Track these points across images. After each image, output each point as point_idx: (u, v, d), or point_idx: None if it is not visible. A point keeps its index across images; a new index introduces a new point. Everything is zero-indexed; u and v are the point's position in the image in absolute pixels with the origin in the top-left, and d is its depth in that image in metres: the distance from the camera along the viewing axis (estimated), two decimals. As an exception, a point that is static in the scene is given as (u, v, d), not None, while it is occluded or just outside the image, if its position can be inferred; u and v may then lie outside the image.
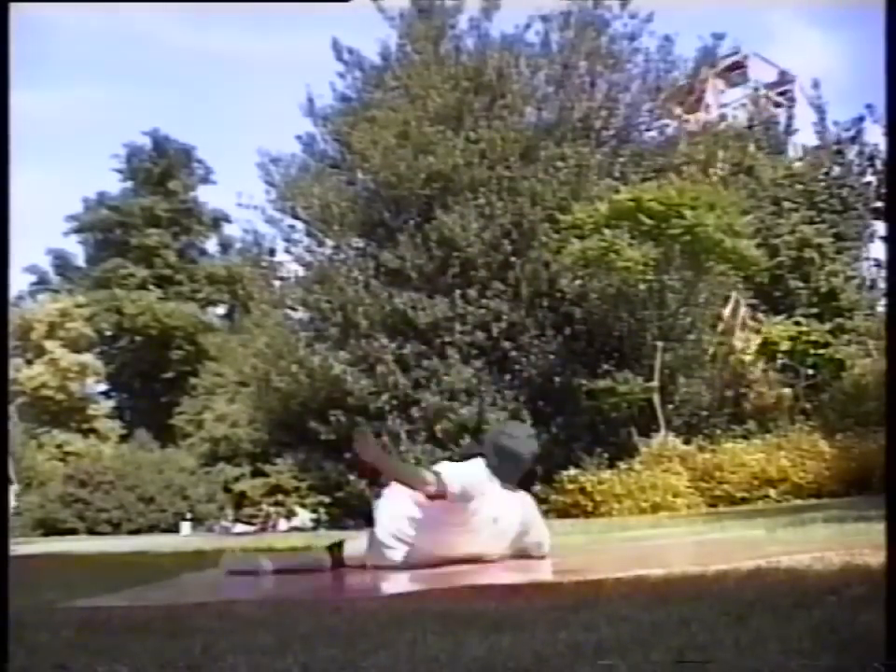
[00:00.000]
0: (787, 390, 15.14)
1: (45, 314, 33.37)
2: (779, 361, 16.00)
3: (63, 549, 9.93)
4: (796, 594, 1.99)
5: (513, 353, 14.84)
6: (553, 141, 15.76)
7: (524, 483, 12.74)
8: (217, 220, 40.36)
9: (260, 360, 16.98)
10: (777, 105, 21.75)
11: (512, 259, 15.07)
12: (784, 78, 22.23)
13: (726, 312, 16.41)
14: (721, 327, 15.88)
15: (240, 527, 27.46)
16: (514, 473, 3.84)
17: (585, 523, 9.01)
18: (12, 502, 16.45)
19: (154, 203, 38.56)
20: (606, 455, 12.87)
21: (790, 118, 21.62)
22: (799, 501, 9.76)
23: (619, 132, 16.97)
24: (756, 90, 22.42)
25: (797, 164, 19.87)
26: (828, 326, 16.66)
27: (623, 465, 11.75)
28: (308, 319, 17.19)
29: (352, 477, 14.88)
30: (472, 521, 3.59)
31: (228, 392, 28.67)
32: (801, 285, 17.57)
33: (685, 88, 17.92)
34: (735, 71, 25.53)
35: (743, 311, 16.96)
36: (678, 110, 18.00)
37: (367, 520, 4.64)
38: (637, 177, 15.32)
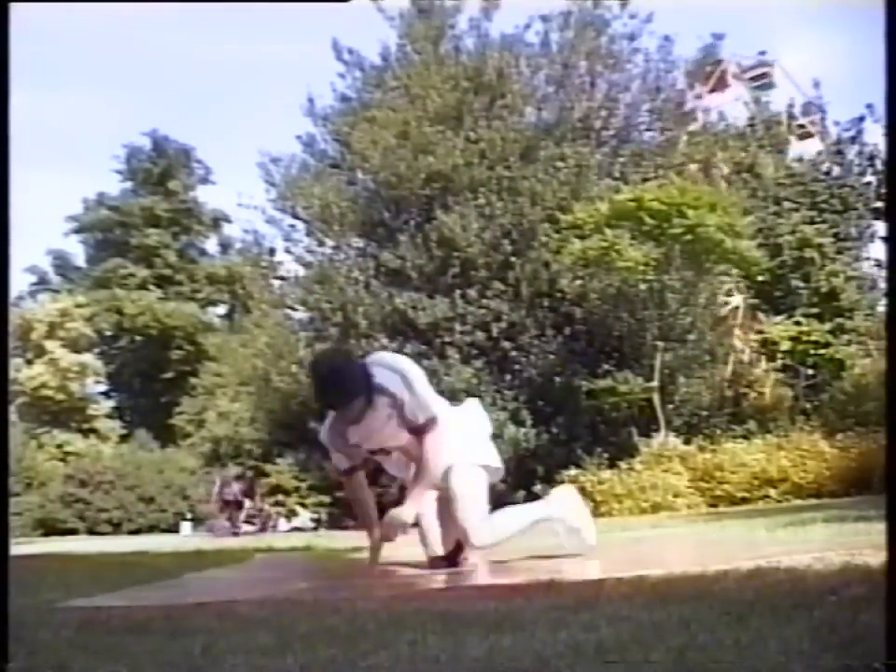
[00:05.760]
0: (787, 390, 15.14)
1: (45, 314, 33.35)
2: (779, 361, 16.01)
3: (62, 549, 9.93)
4: (796, 594, 1.99)
5: (513, 353, 14.84)
6: (553, 141, 15.76)
7: (525, 484, 12.84)
8: (217, 220, 40.35)
9: (260, 360, 16.98)
10: (806, 135, 21.43)
11: (512, 258, 15.07)
12: (808, 108, 21.95)
13: (726, 311, 16.41)
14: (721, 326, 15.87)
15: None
16: None
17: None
18: None
19: (154, 203, 38.57)
20: (606, 455, 12.86)
21: (791, 117, 21.59)
22: (799, 501, 9.76)
23: (619, 132, 16.97)
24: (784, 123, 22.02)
25: (798, 164, 19.87)
26: (828, 326, 16.67)
27: (623, 465, 11.75)
28: (308, 319, 17.19)
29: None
30: None
31: (228, 392, 28.66)
32: (801, 285, 17.57)
33: (706, 69, 17.87)
34: (760, 79, 25.39)
35: (743, 310, 16.96)
36: (698, 87, 17.93)
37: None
38: (638, 177, 15.32)
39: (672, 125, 17.08)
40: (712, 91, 21.75)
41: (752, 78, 24.69)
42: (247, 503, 20.40)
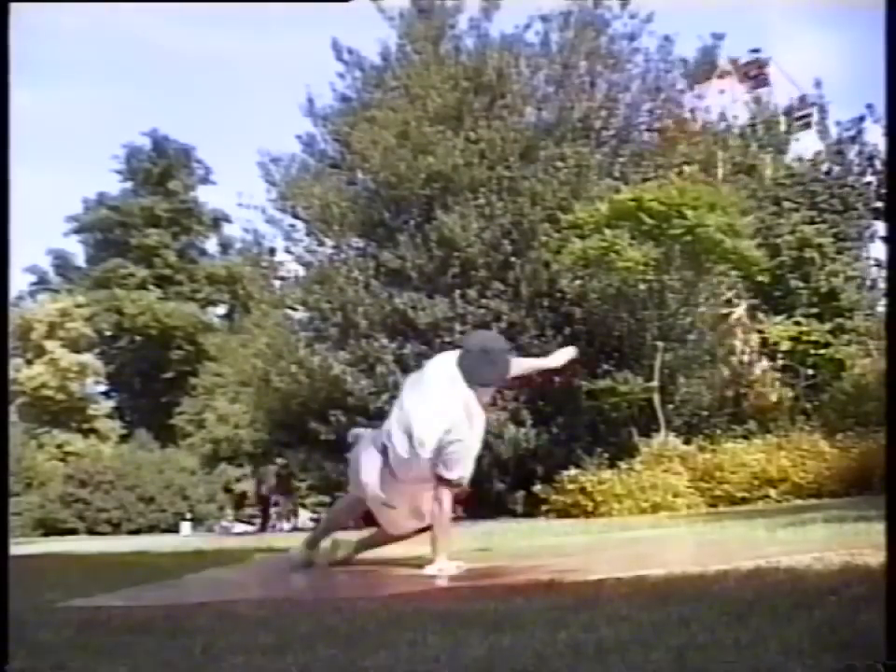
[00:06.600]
0: (787, 390, 15.13)
1: (45, 314, 33.37)
2: (779, 361, 16.00)
3: (62, 549, 9.93)
4: (796, 594, 1.99)
5: (513, 353, 14.82)
6: (553, 141, 15.74)
7: (525, 484, 12.80)
8: (217, 220, 40.38)
9: (260, 360, 16.97)
10: (805, 125, 21.38)
11: (512, 259, 15.06)
12: (803, 103, 21.98)
13: (725, 311, 16.40)
14: (722, 326, 15.86)
15: (240, 527, 27.44)
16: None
17: (585, 523, 9.01)
18: None
19: (154, 203, 38.59)
20: (606, 455, 12.85)
21: (790, 119, 21.56)
22: (799, 501, 9.76)
23: (619, 132, 16.94)
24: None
25: (798, 164, 19.84)
26: (828, 326, 16.64)
27: (623, 465, 11.74)
28: (308, 319, 17.17)
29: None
30: None
31: (228, 392, 28.69)
32: (801, 285, 17.54)
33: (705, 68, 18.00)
34: (755, 76, 25.42)
35: (744, 310, 16.95)
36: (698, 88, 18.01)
37: (366, 520, 4.65)
38: (638, 177, 15.30)
39: (671, 124, 17.06)
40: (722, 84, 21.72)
41: (748, 77, 24.73)
42: (281, 500, 21.95)
